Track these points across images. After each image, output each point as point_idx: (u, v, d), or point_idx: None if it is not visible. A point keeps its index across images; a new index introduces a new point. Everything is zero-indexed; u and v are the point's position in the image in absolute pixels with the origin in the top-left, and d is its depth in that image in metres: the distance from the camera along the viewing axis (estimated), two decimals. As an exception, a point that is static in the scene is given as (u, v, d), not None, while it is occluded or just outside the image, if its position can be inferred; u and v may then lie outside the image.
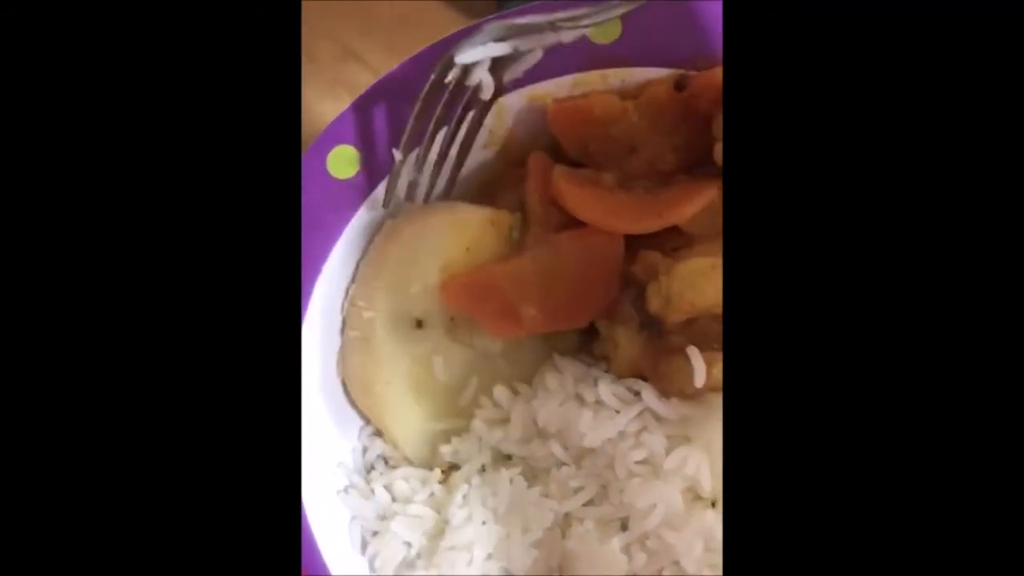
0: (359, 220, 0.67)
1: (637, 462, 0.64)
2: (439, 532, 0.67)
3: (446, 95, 0.63)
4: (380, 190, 0.67)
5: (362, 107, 0.64)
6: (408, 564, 0.68)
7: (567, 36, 0.60)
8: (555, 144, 0.69)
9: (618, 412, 0.65)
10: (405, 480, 0.69)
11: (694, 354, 0.62)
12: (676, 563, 0.62)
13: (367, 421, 0.72)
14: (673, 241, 0.66)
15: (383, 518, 0.69)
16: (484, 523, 0.66)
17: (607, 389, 0.65)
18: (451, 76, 0.61)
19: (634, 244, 0.65)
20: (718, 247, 0.63)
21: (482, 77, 0.62)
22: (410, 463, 0.70)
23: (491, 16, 0.63)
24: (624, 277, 0.66)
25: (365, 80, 0.71)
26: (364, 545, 0.69)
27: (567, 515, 0.66)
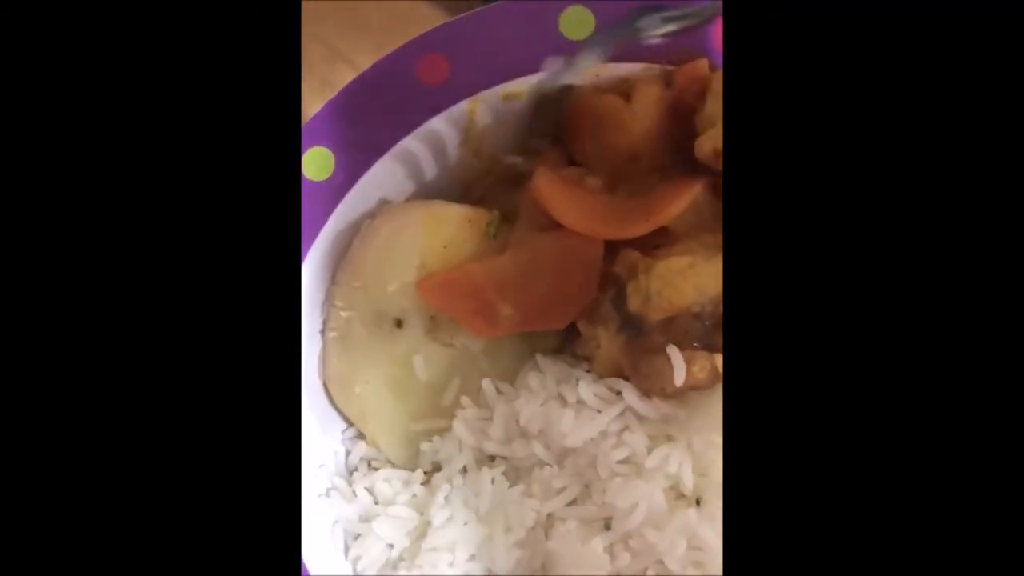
0: (335, 221, 0.67)
1: (619, 461, 0.64)
2: (422, 533, 0.67)
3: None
4: (355, 190, 0.67)
5: (336, 109, 0.64)
6: (391, 565, 0.68)
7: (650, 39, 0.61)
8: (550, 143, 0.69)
9: (600, 412, 0.64)
10: (387, 481, 0.69)
11: (674, 353, 0.61)
12: (660, 562, 0.62)
13: (349, 423, 0.72)
14: (655, 239, 0.65)
15: (365, 520, 0.69)
16: (466, 523, 0.66)
17: (588, 389, 0.65)
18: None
19: (615, 242, 0.65)
20: (698, 245, 0.63)
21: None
22: (393, 465, 0.70)
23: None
24: (604, 277, 0.65)
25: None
26: (347, 548, 0.69)
27: (550, 515, 0.65)
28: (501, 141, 0.69)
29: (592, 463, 0.64)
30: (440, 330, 0.68)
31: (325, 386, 0.71)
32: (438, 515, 0.66)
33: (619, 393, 0.65)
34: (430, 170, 0.69)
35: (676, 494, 0.63)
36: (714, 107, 0.62)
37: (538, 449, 0.66)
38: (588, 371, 0.67)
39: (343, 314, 0.67)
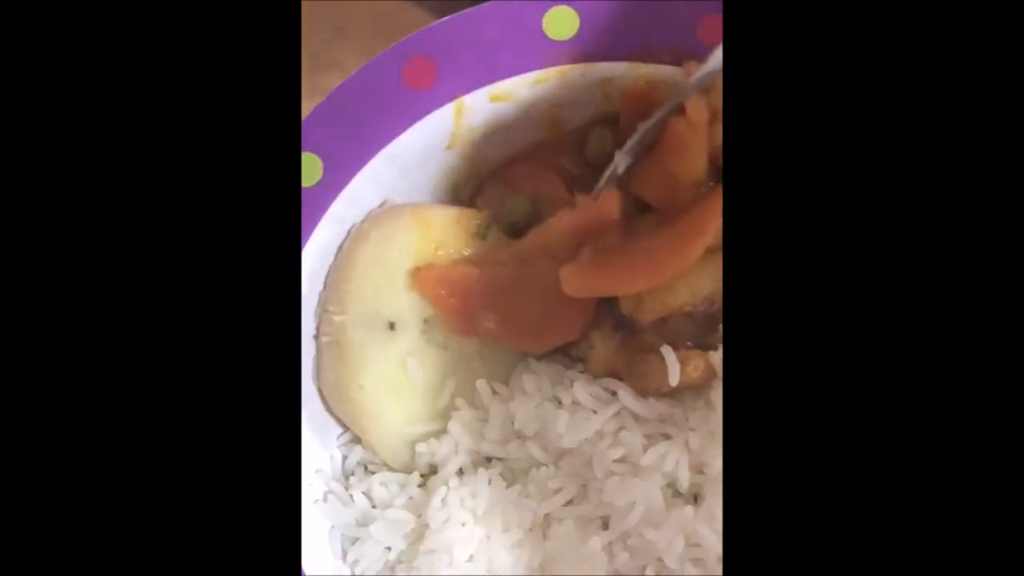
0: (325, 226, 0.67)
1: (615, 460, 0.64)
2: (419, 536, 0.67)
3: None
4: (344, 195, 0.66)
5: (323, 114, 0.64)
6: (389, 568, 0.68)
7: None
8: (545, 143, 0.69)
9: (595, 412, 0.64)
10: (384, 485, 0.69)
11: (668, 353, 0.61)
12: (659, 560, 0.62)
13: (345, 428, 0.72)
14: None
15: (363, 524, 0.69)
16: (464, 525, 0.66)
17: (583, 390, 0.65)
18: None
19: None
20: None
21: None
22: (389, 468, 0.70)
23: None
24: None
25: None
26: (345, 552, 0.69)
27: (547, 515, 0.66)
28: (490, 142, 0.68)
29: (588, 463, 0.64)
30: (433, 332, 0.68)
31: (320, 391, 0.70)
32: (435, 517, 0.66)
33: (614, 393, 0.65)
34: (419, 173, 0.68)
35: (673, 492, 0.63)
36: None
37: (534, 450, 0.66)
38: (583, 372, 0.67)
39: (336, 318, 0.67)
